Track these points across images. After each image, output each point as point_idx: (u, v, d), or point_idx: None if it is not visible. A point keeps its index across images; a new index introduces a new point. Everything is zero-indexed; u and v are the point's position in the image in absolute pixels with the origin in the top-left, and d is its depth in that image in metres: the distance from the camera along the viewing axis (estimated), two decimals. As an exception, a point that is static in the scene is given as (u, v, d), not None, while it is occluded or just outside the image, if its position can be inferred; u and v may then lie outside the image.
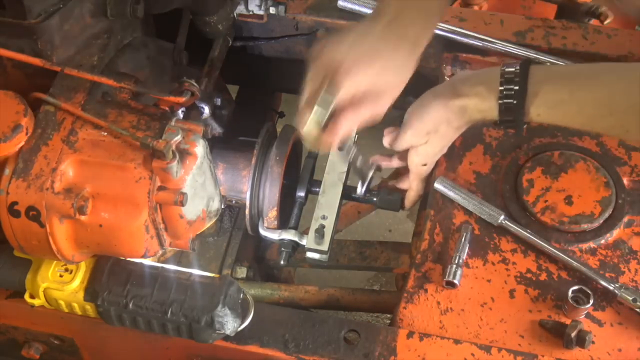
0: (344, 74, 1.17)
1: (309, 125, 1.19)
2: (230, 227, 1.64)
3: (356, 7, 1.65)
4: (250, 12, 1.65)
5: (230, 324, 1.18)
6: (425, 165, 1.38)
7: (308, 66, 1.22)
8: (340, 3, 1.65)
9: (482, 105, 1.25)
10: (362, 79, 1.19)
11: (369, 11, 1.65)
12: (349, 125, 1.21)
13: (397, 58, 1.21)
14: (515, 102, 1.20)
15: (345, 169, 1.48)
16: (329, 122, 1.20)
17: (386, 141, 1.38)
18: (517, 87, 1.20)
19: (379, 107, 1.22)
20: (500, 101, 1.22)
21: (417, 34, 1.22)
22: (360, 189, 1.46)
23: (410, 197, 1.44)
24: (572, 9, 1.85)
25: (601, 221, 1.33)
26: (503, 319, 1.25)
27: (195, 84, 1.25)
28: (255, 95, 1.91)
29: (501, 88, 1.21)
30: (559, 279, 1.29)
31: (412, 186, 1.42)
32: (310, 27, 1.71)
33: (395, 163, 1.48)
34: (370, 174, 1.44)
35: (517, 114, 1.21)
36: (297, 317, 1.25)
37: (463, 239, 1.31)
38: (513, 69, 1.21)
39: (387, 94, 1.22)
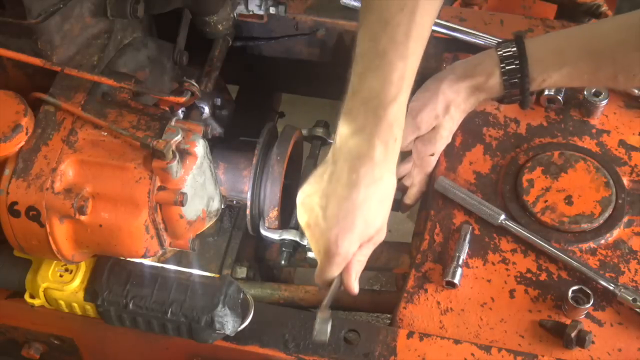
0: (333, 250, 1.13)
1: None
2: (230, 227, 1.64)
3: (359, 4, 1.65)
4: (250, 12, 1.65)
5: (230, 324, 1.18)
6: (432, 155, 1.38)
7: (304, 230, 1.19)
8: (343, 0, 1.65)
9: (487, 83, 1.29)
10: (352, 248, 1.15)
11: None
12: (360, 268, 1.20)
13: (375, 195, 1.13)
14: (519, 74, 1.25)
15: None
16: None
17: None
18: (517, 59, 1.25)
19: (379, 239, 1.19)
20: (505, 77, 1.26)
21: (388, 157, 1.12)
22: None
23: (413, 193, 1.44)
24: (572, 9, 1.85)
25: (601, 221, 1.33)
26: (503, 319, 1.25)
27: (195, 84, 1.25)
28: (255, 95, 1.91)
29: (502, 64, 1.26)
30: (559, 279, 1.29)
31: (414, 182, 1.42)
32: (310, 27, 1.71)
33: (398, 172, 1.48)
34: None
35: (522, 85, 1.26)
36: (297, 317, 1.25)
37: (463, 239, 1.31)
38: (509, 43, 1.27)
39: (379, 227, 1.17)
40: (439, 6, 1.18)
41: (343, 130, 1.12)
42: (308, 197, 1.16)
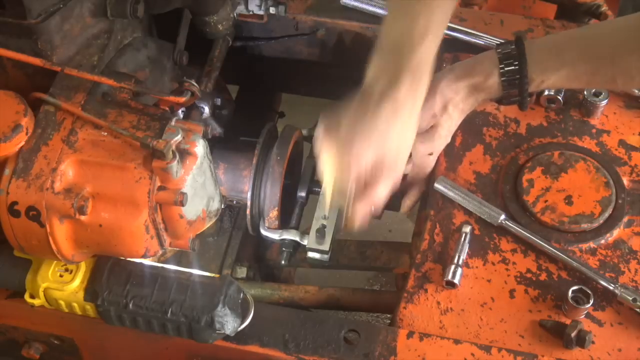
0: (348, 159, 1.19)
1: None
2: (230, 227, 1.63)
3: (359, 5, 1.65)
4: (250, 12, 1.65)
5: (230, 324, 1.18)
6: (431, 154, 1.38)
7: (317, 154, 1.25)
8: (343, 0, 1.65)
9: (486, 83, 1.29)
10: (365, 156, 1.20)
11: (371, 9, 1.65)
12: (371, 203, 1.25)
13: (395, 127, 1.22)
14: (517, 75, 1.26)
15: None
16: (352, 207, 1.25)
17: None
18: (516, 60, 1.26)
19: (394, 173, 1.25)
20: (503, 77, 1.27)
21: (411, 99, 1.22)
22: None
23: (412, 193, 1.44)
24: (572, 9, 1.85)
25: (601, 221, 1.33)
26: (503, 319, 1.25)
27: (195, 84, 1.25)
28: (255, 95, 1.91)
29: (501, 65, 1.27)
30: (559, 279, 1.29)
31: (414, 181, 1.42)
32: (310, 27, 1.71)
33: None
34: None
35: (521, 85, 1.26)
36: (297, 317, 1.25)
37: (463, 239, 1.31)
38: (508, 44, 1.28)
39: (395, 158, 1.24)
40: None
41: (371, 70, 1.22)
42: (331, 122, 1.22)
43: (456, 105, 1.33)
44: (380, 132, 1.20)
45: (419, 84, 1.22)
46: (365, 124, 1.20)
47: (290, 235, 1.46)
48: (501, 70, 1.27)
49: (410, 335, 1.21)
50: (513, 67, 1.26)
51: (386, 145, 1.22)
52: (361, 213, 1.27)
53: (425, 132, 1.36)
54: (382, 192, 1.27)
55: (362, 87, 1.22)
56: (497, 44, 1.30)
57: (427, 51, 1.21)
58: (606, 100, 1.46)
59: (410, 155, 1.39)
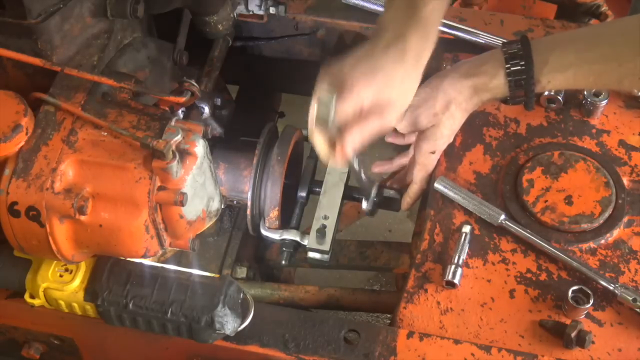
0: (348, 89, 1.18)
1: (311, 123, 1.20)
2: (230, 227, 1.64)
3: (360, 3, 1.65)
4: (250, 12, 1.66)
5: (230, 324, 1.18)
6: (433, 153, 1.38)
7: (316, 85, 1.22)
8: None
9: (491, 83, 1.29)
10: (365, 92, 1.20)
11: (372, 7, 1.65)
12: (357, 139, 1.22)
13: (399, 71, 1.22)
14: (524, 75, 1.26)
15: (347, 169, 1.48)
16: (338, 137, 1.21)
17: (401, 127, 1.38)
18: (522, 60, 1.25)
19: (386, 120, 1.24)
20: (510, 77, 1.27)
21: (418, 48, 1.23)
22: (366, 206, 1.46)
23: (413, 191, 1.44)
24: (572, 9, 1.85)
25: (601, 221, 1.33)
26: (503, 319, 1.25)
27: (195, 84, 1.25)
28: (255, 95, 1.91)
29: (507, 65, 1.27)
30: (559, 279, 1.29)
31: (415, 179, 1.42)
32: (310, 27, 1.71)
33: (396, 164, 1.48)
34: (374, 191, 1.45)
35: (527, 86, 1.26)
36: (297, 317, 1.25)
37: (463, 239, 1.31)
38: (514, 44, 1.27)
39: (392, 106, 1.23)
40: None
41: (383, 17, 1.26)
42: (336, 65, 1.22)
43: (459, 105, 1.33)
44: (385, 73, 1.20)
45: (427, 36, 1.23)
46: (371, 62, 1.21)
47: (291, 235, 1.46)
48: (507, 71, 1.27)
49: (410, 335, 1.21)
50: (519, 68, 1.26)
51: (387, 86, 1.21)
52: (349, 145, 1.22)
53: (427, 130, 1.36)
54: (369, 130, 1.23)
55: (371, 36, 1.25)
56: (502, 43, 1.30)
57: (435, 9, 1.23)
58: (606, 101, 1.46)
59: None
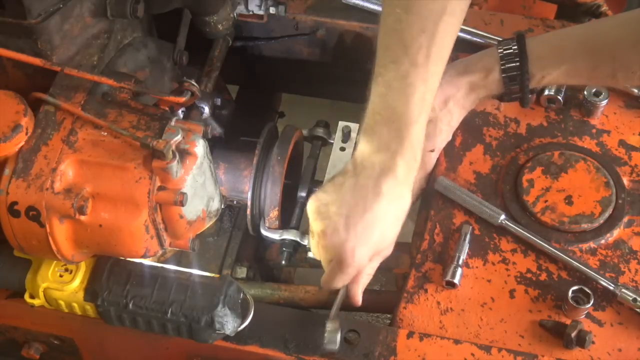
0: (348, 262, 1.16)
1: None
2: (230, 227, 1.63)
3: (360, 3, 1.65)
4: (250, 12, 1.65)
5: (230, 324, 1.18)
6: (432, 151, 1.38)
7: (312, 234, 1.21)
8: None
9: (487, 79, 1.30)
10: (365, 252, 1.17)
11: (372, 7, 1.65)
12: (365, 281, 1.25)
13: (394, 212, 1.17)
14: (518, 71, 1.26)
15: None
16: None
17: None
18: (517, 57, 1.26)
19: (386, 254, 1.24)
20: (504, 74, 1.28)
21: (409, 175, 1.17)
22: None
23: (413, 191, 1.44)
24: (572, 9, 1.85)
25: (601, 221, 1.33)
26: (503, 319, 1.25)
27: (195, 84, 1.25)
28: (255, 95, 1.91)
29: (502, 62, 1.27)
30: (559, 279, 1.29)
31: (415, 179, 1.42)
32: (310, 27, 1.71)
33: None
34: None
35: (522, 81, 1.27)
36: (297, 317, 1.25)
37: (463, 239, 1.31)
38: (510, 41, 1.28)
39: (391, 244, 1.22)
40: (459, 24, 1.16)
41: (365, 146, 1.15)
42: (324, 205, 1.17)
43: (457, 102, 1.34)
44: (381, 223, 1.15)
45: (415, 156, 1.16)
46: (365, 215, 1.14)
47: (291, 236, 1.46)
48: (502, 67, 1.28)
49: (410, 335, 1.21)
50: (514, 64, 1.27)
51: (385, 235, 1.18)
52: (358, 290, 1.25)
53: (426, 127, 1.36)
54: (373, 270, 1.25)
55: (355, 159, 1.16)
56: (498, 41, 1.31)
57: (422, 125, 1.15)
58: (606, 100, 1.46)
59: None
